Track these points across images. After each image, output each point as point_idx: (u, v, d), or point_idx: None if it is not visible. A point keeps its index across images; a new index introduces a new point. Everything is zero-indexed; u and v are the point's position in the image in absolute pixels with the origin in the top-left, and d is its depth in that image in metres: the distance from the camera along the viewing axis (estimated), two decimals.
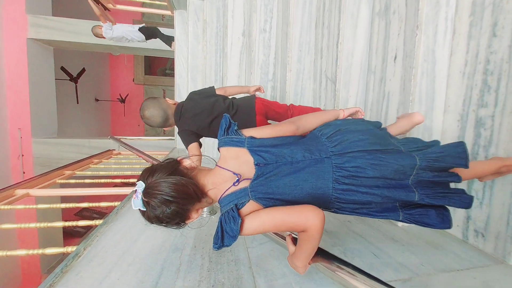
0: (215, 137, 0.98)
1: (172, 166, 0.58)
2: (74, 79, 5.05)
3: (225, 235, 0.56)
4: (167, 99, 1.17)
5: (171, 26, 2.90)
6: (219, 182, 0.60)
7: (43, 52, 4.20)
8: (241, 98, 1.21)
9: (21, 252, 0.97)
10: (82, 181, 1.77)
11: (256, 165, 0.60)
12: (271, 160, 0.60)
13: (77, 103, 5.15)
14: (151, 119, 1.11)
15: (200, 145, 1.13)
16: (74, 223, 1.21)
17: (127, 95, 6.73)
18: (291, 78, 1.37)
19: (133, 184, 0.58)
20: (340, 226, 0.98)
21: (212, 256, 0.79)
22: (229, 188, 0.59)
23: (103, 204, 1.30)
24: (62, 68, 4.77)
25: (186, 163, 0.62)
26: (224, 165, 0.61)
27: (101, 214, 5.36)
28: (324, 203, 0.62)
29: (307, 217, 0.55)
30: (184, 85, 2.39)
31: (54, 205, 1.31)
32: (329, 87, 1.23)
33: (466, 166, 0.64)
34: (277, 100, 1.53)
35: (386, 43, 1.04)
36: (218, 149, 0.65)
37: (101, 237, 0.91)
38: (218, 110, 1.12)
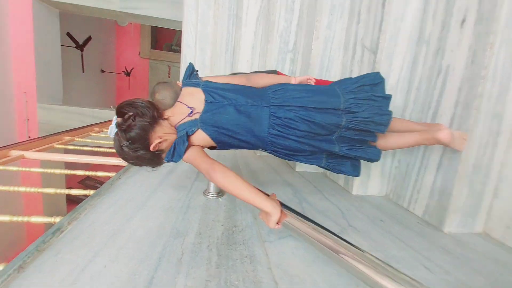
0: None
1: (148, 103, 0.70)
2: (80, 47, 4.88)
3: (175, 153, 0.68)
4: (178, 82, 1.13)
5: None
6: (176, 112, 0.73)
7: (49, 14, 3.99)
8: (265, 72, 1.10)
9: (5, 218, 0.84)
10: (86, 148, 1.64)
11: (205, 101, 0.72)
12: (219, 100, 0.73)
13: (83, 72, 5.01)
14: (163, 101, 1.05)
15: None
16: (66, 191, 1.09)
17: (132, 68, 6.58)
18: (318, 48, 1.15)
19: None
20: (372, 225, 0.83)
21: (221, 248, 0.64)
22: (184, 118, 0.72)
23: (100, 173, 1.16)
24: (68, 34, 4.59)
25: (157, 97, 0.85)
26: (181, 100, 0.75)
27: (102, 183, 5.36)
28: (261, 143, 0.75)
29: (208, 172, 0.66)
30: (192, 55, 2.17)
31: (48, 170, 1.19)
32: (365, 59, 1.01)
33: (383, 132, 0.77)
34: (296, 75, 1.32)
35: (450, 2, 0.81)
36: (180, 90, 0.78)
37: (90, 210, 0.77)
38: None
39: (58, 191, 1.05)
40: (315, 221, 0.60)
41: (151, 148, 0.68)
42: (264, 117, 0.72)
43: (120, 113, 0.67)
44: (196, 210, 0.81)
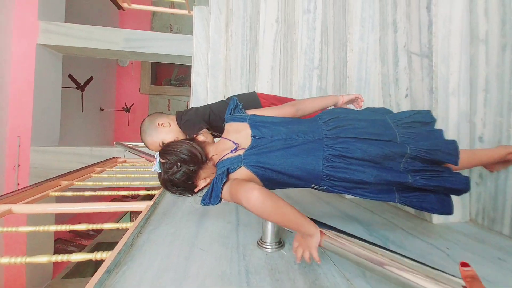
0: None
1: (190, 140, 0.69)
2: (81, 87, 4.92)
3: (213, 194, 0.61)
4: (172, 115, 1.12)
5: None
6: (220, 150, 0.69)
7: (52, 58, 4.07)
8: (243, 94, 1.15)
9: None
10: (81, 193, 1.42)
11: (252, 136, 0.67)
12: (267, 134, 0.67)
13: (82, 111, 4.96)
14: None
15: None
16: (65, 258, 0.80)
17: (132, 104, 6.64)
18: (353, 60, 1.09)
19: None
20: (492, 266, 0.65)
21: None
22: (226, 154, 0.66)
23: (107, 226, 0.95)
24: (70, 76, 4.64)
25: (199, 137, 0.72)
26: (226, 136, 0.70)
27: (98, 230, 4.95)
28: (315, 178, 0.64)
29: (245, 196, 0.55)
30: (202, 83, 2.14)
31: (37, 228, 0.94)
32: (415, 66, 0.93)
33: (456, 163, 0.66)
34: (329, 93, 1.24)
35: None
36: (224, 126, 0.73)
37: None
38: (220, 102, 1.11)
39: (54, 259, 0.77)
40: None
41: (196, 190, 0.66)
42: (318, 149, 0.64)
43: (164, 156, 0.64)
44: (260, 275, 0.59)
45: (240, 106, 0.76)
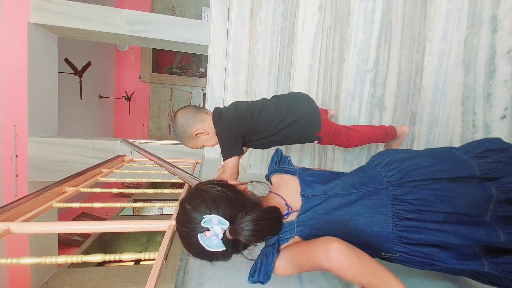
0: (261, 136, 0.94)
1: (237, 194, 0.53)
2: (79, 73, 4.62)
3: (262, 270, 0.50)
4: (205, 110, 1.03)
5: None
6: None
7: (46, 40, 3.73)
8: (293, 93, 1.06)
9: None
10: (96, 205, 1.23)
11: (302, 196, 0.56)
12: (319, 191, 0.56)
13: (81, 99, 4.71)
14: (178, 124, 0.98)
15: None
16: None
17: (133, 92, 6.35)
18: (432, 64, 0.87)
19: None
20: None
21: None
22: None
23: (126, 256, 0.77)
24: (66, 60, 4.34)
25: (242, 187, 0.57)
26: (278, 191, 0.59)
27: (102, 220, 4.87)
28: (383, 244, 0.51)
29: (324, 247, 0.44)
30: (220, 78, 1.90)
31: (45, 259, 0.78)
32: None
33: None
34: (386, 104, 1.03)
35: None
36: (269, 180, 0.64)
37: None
38: (266, 104, 0.99)
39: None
40: None
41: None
42: (384, 204, 0.51)
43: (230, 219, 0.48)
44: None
45: (289, 159, 0.67)
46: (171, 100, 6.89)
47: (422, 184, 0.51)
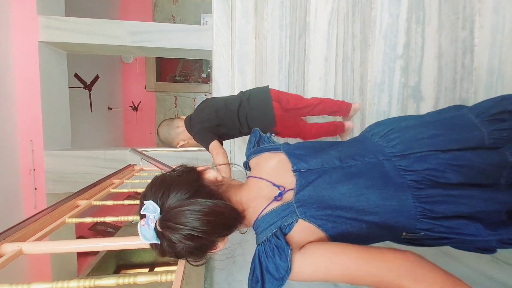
0: (233, 127, 1.04)
1: (194, 181, 0.44)
2: (88, 87, 4.75)
3: (266, 276, 0.37)
4: (181, 116, 1.18)
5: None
6: (254, 197, 0.45)
7: (56, 57, 3.86)
8: (253, 88, 1.17)
9: None
10: (109, 219, 1.19)
11: (295, 171, 0.46)
12: (314, 164, 0.46)
13: (91, 111, 4.83)
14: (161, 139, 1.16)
15: (221, 143, 1.02)
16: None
17: (140, 102, 6.45)
18: (484, 42, 0.72)
19: None
20: None
21: None
22: (268, 205, 0.43)
23: (141, 279, 0.66)
24: (76, 75, 4.48)
25: (210, 175, 0.48)
26: (258, 174, 0.47)
27: (116, 228, 4.92)
28: (405, 221, 0.42)
29: (399, 271, 0.33)
30: (226, 80, 1.80)
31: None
32: None
33: None
34: (425, 97, 0.88)
35: None
36: (247, 165, 0.53)
37: None
38: (229, 100, 1.12)
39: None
40: None
41: (209, 254, 0.44)
42: (392, 174, 0.43)
43: (165, 229, 0.40)
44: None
45: (268, 136, 0.57)
46: (175, 107, 6.98)
47: (429, 154, 0.44)
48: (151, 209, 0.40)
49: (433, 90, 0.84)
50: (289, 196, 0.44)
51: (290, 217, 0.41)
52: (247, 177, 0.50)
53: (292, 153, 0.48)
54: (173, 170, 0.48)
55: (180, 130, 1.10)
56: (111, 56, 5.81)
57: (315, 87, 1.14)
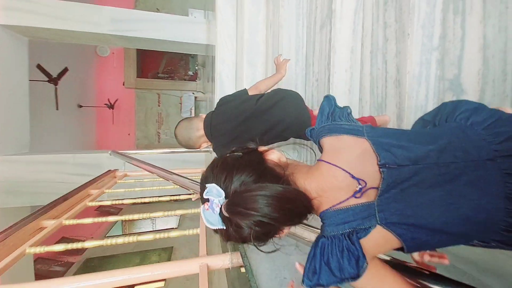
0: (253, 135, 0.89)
1: (258, 163, 0.41)
2: (54, 80, 4.18)
3: (324, 269, 0.36)
4: (201, 114, 1.06)
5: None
6: (328, 188, 0.40)
7: (14, 43, 3.30)
8: (278, 90, 1.03)
9: None
10: (76, 222, 0.93)
11: (382, 166, 0.39)
12: (406, 159, 0.39)
13: (57, 109, 4.26)
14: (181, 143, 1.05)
15: None
16: None
17: (116, 100, 5.92)
18: None
19: None
20: None
21: None
22: (345, 200, 0.38)
23: None
24: (39, 66, 3.90)
25: (274, 156, 0.43)
26: (336, 161, 0.40)
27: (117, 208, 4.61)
28: (483, 233, 0.39)
29: None
30: (230, 73, 1.67)
31: None
32: None
33: None
34: (467, 91, 0.85)
35: None
36: (318, 143, 0.46)
37: None
38: (247, 110, 0.96)
39: None
40: None
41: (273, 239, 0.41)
42: (493, 181, 0.38)
43: (233, 215, 0.36)
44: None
45: (349, 111, 0.48)
46: (159, 106, 6.54)
47: None
48: (215, 192, 0.39)
49: (477, 83, 0.82)
50: (370, 195, 0.39)
51: (369, 221, 0.37)
52: (318, 160, 0.43)
53: (378, 141, 0.41)
54: (233, 151, 0.44)
55: (200, 134, 1.00)
56: (84, 48, 5.23)
57: (341, 79, 1.07)
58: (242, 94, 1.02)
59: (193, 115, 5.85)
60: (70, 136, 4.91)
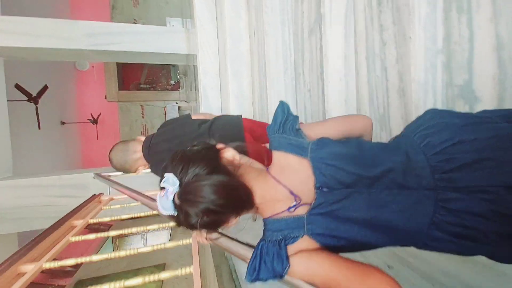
0: None
1: (213, 159, 0.46)
2: (34, 99, 4.00)
3: (263, 267, 0.44)
4: (138, 137, 1.05)
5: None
6: (269, 198, 0.47)
7: None
8: (222, 116, 1.07)
9: None
10: (60, 265, 0.81)
11: (317, 188, 0.45)
12: (340, 183, 0.44)
13: (39, 128, 4.07)
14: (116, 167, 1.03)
15: None
16: None
17: (100, 114, 5.71)
18: None
19: None
20: None
21: None
22: (282, 212, 0.46)
23: None
24: (17, 86, 3.70)
25: (228, 154, 0.48)
26: (279, 177, 0.47)
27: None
28: (410, 240, 0.45)
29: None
30: (215, 85, 1.54)
31: None
32: None
33: None
34: (483, 101, 0.74)
35: None
36: (269, 150, 0.51)
37: None
38: (187, 131, 0.96)
39: None
40: None
41: (221, 228, 0.49)
42: (425, 210, 0.41)
43: (183, 202, 0.43)
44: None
45: (297, 125, 0.50)
46: (143, 117, 6.35)
47: (480, 194, 0.38)
48: (171, 182, 0.43)
49: (494, 89, 0.71)
50: (303, 210, 0.45)
51: (297, 231, 0.44)
52: (267, 170, 0.48)
53: (319, 165, 0.45)
54: (194, 145, 0.48)
55: (138, 156, 0.99)
56: (62, 63, 5.03)
57: (336, 89, 0.96)
58: (184, 117, 1.03)
59: None
60: (54, 155, 4.76)
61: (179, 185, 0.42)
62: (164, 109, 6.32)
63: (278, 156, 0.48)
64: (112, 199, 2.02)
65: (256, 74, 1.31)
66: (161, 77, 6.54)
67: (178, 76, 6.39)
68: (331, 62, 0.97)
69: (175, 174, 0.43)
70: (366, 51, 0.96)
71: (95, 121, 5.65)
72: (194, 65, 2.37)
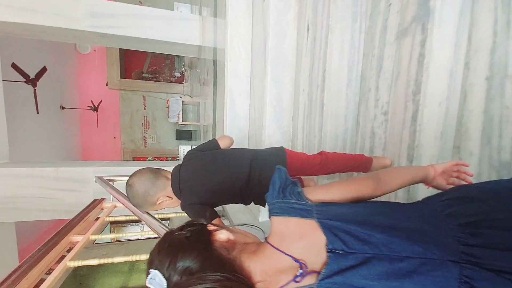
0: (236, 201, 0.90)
1: (204, 247, 0.41)
2: (32, 81, 3.74)
3: None
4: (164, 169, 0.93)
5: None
6: (272, 272, 0.41)
7: None
8: (266, 150, 0.96)
9: None
10: None
11: (330, 251, 0.39)
12: (355, 246, 0.39)
13: (37, 112, 3.82)
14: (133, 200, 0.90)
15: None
16: None
17: (100, 101, 5.43)
18: None
19: None
20: None
21: None
22: (287, 283, 0.40)
23: None
24: (14, 66, 3.42)
25: (222, 235, 0.44)
26: (280, 246, 0.42)
27: None
28: None
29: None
30: (244, 90, 1.24)
31: None
32: None
33: None
34: None
35: None
36: (270, 218, 0.47)
37: None
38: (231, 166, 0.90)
39: None
40: None
41: None
42: (449, 284, 0.36)
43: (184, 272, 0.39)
44: None
45: (299, 189, 0.44)
46: (144, 109, 6.07)
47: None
48: (158, 281, 0.39)
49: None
50: (311, 279, 0.39)
51: None
52: (266, 240, 0.43)
53: (327, 224, 0.40)
54: (182, 228, 0.43)
55: (166, 183, 0.88)
56: (63, 44, 4.70)
57: (434, 116, 0.67)
58: (211, 145, 0.97)
59: (180, 120, 5.37)
60: (53, 141, 4.51)
61: (167, 285, 0.38)
62: (167, 102, 6.03)
63: (278, 223, 0.44)
64: (115, 206, 1.76)
65: (303, 81, 1.01)
66: (165, 68, 6.19)
67: (183, 68, 6.03)
68: (434, 78, 0.66)
69: (162, 270, 0.39)
70: (490, 68, 0.66)
71: (95, 109, 5.38)
72: (214, 60, 2.05)
